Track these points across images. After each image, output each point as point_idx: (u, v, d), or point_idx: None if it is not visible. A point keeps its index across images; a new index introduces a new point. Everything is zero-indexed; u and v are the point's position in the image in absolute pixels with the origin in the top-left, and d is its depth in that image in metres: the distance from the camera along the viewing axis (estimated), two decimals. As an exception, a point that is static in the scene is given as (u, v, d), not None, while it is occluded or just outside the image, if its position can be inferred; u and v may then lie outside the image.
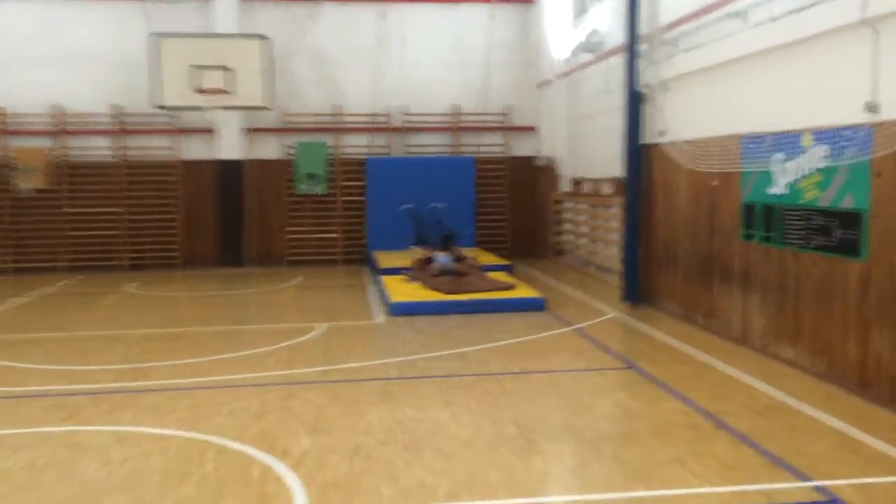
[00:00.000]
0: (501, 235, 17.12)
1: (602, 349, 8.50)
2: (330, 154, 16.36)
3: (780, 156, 7.74)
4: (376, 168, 16.29)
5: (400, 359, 8.14)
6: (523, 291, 11.33)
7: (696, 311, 9.57)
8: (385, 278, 12.43)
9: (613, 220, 13.36)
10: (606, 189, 13.58)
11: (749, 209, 8.31)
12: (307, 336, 9.28)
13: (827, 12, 6.92)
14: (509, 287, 11.43)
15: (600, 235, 14.06)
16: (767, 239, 7.97)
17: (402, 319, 10.23)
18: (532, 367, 7.86)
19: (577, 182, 15.27)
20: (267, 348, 8.67)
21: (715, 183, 8.84)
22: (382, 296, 11.48)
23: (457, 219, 16.34)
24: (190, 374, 7.65)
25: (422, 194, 16.27)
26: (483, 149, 16.94)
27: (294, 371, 7.75)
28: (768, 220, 7.95)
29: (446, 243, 12.66)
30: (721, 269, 8.93)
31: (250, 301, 12.09)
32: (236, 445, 5.62)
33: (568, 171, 15.83)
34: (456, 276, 11.93)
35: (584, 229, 15.06)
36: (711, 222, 9.14)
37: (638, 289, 10.96)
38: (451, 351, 8.43)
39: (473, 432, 5.86)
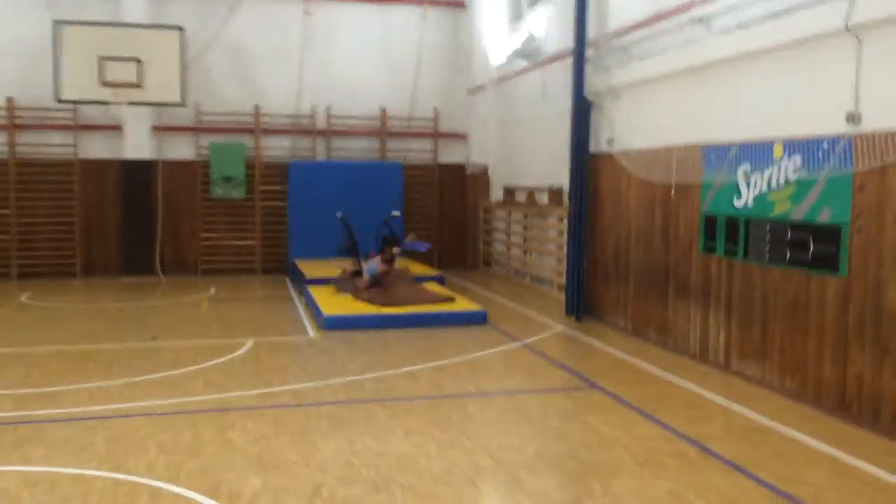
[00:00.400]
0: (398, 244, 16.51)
1: (558, 367, 8.01)
2: (249, 156, 15.41)
3: (746, 166, 7.46)
4: (299, 172, 15.45)
5: (344, 379, 7.42)
6: (463, 304, 10.77)
7: (648, 326, 9.23)
8: (313, 289, 11.65)
9: (551, 230, 13.00)
10: (543, 199, 13.21)
11: (710, 222, 8.01)
12: (235, 354, 8.44)
13: (804, 20, 6.64)
14: (448, 299, 10.86)
15: (536, 246, 13.68)
16: (731, 252, 7.67)
17: (335, 334, 9.50)
18: (490, 387, 7.30)
19: (510, 191, 14.87)
20: (191, 368, 7.79)
21: (672, 194, 8.52)
22: (312, 308, 10.70)
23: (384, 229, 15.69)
24: (105, 399, 6.73)
25: (347, 200, 15.45)
26: (411, 154, 16.33)
27: (227, 395, 6.92)
28: (732, 233, 7.65)
29: (387, 246, 11.98)
30: (678, 283, 8.61)
31: (165, 313, 11.08)
32: (172, 488, 4.81)
33: (500, 179, 15.42)
34: (386, 287, 11.28)
35: (518, 239, 14.65)
36: (667, 234, 8.82)
37: (582, 302, 10.57)
38: (398, 370, 7.78)
39: (446, 466, 5.23)
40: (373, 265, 11.62)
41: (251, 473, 5.05)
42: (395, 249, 11.99)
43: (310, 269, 13.42)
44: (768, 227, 7.16)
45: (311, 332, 9.62)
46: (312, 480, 4.94)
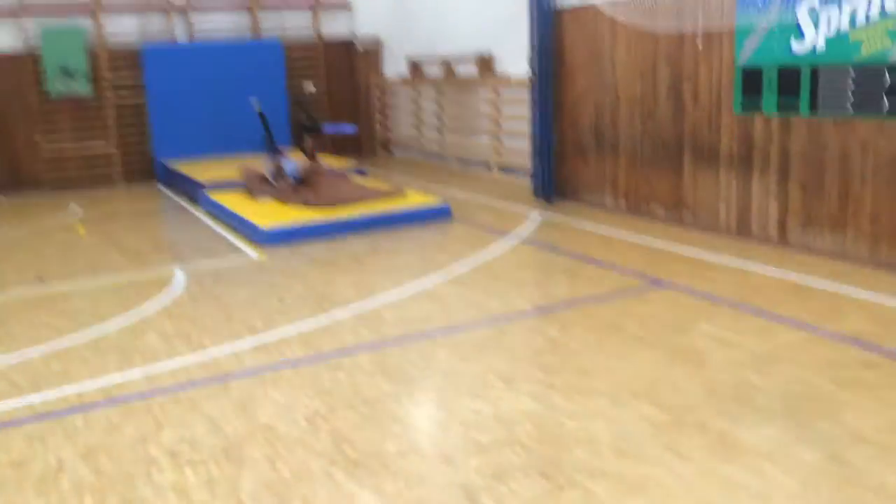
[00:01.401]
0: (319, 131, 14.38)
1: (590, 262, 6.59)
2: (90, 42, 12.43)
3: (812, 1, 6.16)
4: (157, 58, 12.67)
5: (350, 309, 5.64)
6: (417, 199, 9.05)
7: (651, 203, 8.00)
8: (219, 197, 9.47)
9: (482, 104, 11.37)
10: (469, 70, 11.47)
11: (751, 75, 6.73)
12: (171, 290, 6.38)
13: None
14: (395, 193, 9.09)
15: (462, 125, 12.01)
16: (788, 108, 6.46)
17: (282, 251, 7.56)
18: (542, 299, 5.77)
19: (416, 65, 12.98)
20: (122, 318, 5.71)
21: (699, 45, 7.11)
22: (234, 221, 8.59)
23: (270, 115, 13.39)
24: (25, 386, 4.64)
25: (219, 89, 13.02)
26: (289, 32, 13.88)
27: (209, 353, 5.00)
28: (790, 85, 6.41)
29: (308, 135, 9.90)
30: (698, 152, 7.36)
31: (33, 245, 8.54)
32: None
33: (399, 52, 13.45)
34: (316, 186, 9.34)
35: (433, 120, 12.89)
36: (678, 97, 7.47)
37: (552, 183, 9.17)
38: (406, 288, 6.09)
39: (619, 429, 3.75)
40: (292, 163, 9.57)
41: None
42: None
43: (196, 172, 11.08)
44: (852, 74, 5.96)
45: (251, 252, 7.62)
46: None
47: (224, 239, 8.23)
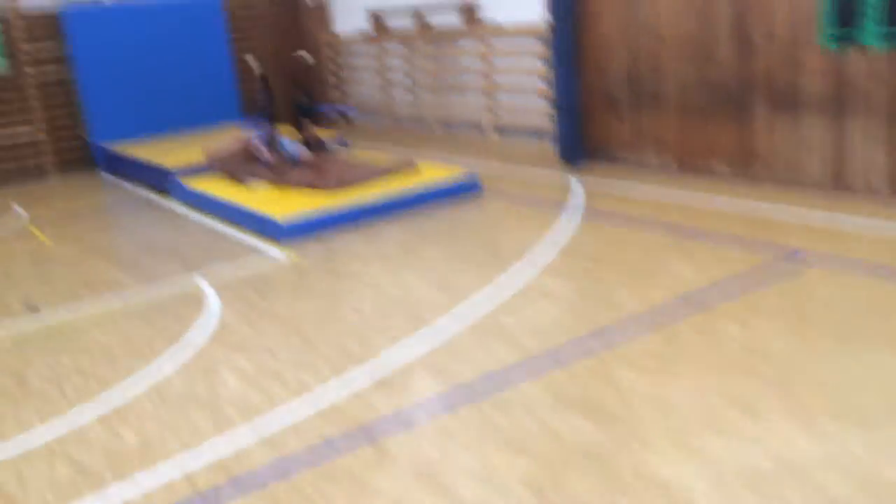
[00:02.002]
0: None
1: (691, 235, 5.76)
2: (0, 9, 10.63)
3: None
4: (82, 24, 10.96)
5: (465, 313, 4.66)
6: (438, 171, 7.98)
7: (709, 159, 7.24)
8: (202, 186, 8.16)
9: (466, 59, 10.31)
10: (449, 20, 10.36)
11: (845, 1, 5.99)
12: (211, 309, 5.20)
13: None
14: (409, 167, 8.01)
15: (439, 85, 10.92)
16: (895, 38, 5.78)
17: (311, 247, 6.44)
18: (679, 287, 4.90)
19: (379, 17, 11.74)
20: (179, 353, 4.55)
21: (782, -27, 6.31)
22: (233, 214, 7.33)
23: (214, 85, 11.96)
24: (98, 459, 3.48)
25: (159, 56, 11.47)
26: (226, -15, 12.33)
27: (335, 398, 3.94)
28: (898, 14, 5.72)
29: (310, 124, 8.62)
30: (773, 96, 6.61)
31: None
32: None
33: (355, 4, 12.16)
34: (316, 167, 8.17)
35: (403, 79, 11.71)
36: (744, 35, 6.66)
37: (579, 143, 8.29)
38: (506, 284, 5.12)
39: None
40: (293, 146, 8.33)
41: None
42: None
43: (154, 155, 9.62)
44: None
45: (273, 251, 6.44)
46: None
47: (228, 236, 7.00)
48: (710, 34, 6.95)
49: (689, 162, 7.45)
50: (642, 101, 7.71)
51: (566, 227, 6.25)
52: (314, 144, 8.53)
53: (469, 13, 10.04)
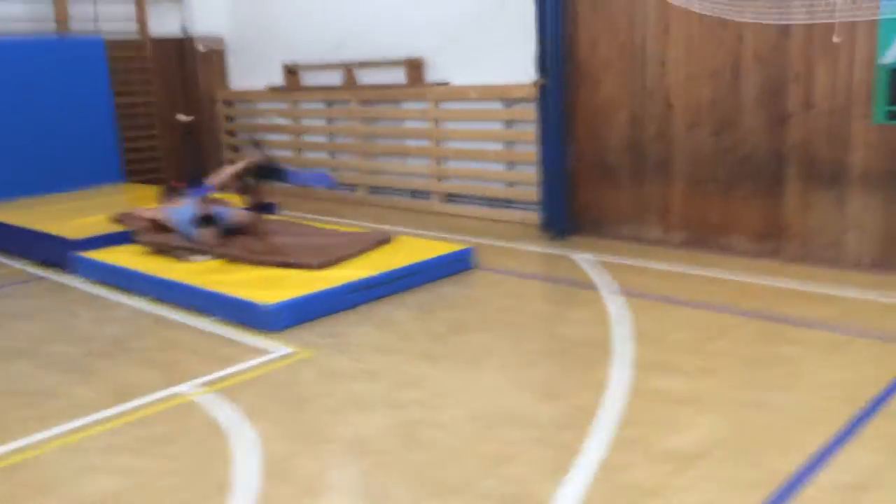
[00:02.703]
0: (153, 159, 11.29)
1: (767, 319, 5.07)
2: None
3: None
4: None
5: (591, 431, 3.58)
6: (422, 245, 6.85)
7: (727, 234, 6.67)
8: (122, 261, 6.54)
9: (409, 121, 9.34)
10: (387, 77, 9.36)
11: (903, 76, 5.67)
12: (240, 438, 3.79)
13: None
14: (384, 240, 6.84)
15: (369, 147, 9.81)
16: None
17: (308, 336, 5.12)
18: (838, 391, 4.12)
19: (293, 71, 10.54)
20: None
21: (837, 39, 5.88)
22: (192, 298, 5.79)
23: (92, 138, 10.20)
24: None
25: (27, 101, 9.60)
26: (106, 25, 10.61)
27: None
28: (966, 87, 5.43)
29: (256, 179, 7.14)
30: (811, 169, 6.15)
31: None
32: None
33: (263, 55, 10.89)
34: (260, 235, 6.84)
35: (321, 140, 10.47)
36: (776, 103, 6.20)
37: (568, 215, 7.50)
38: (594, 383, 4.12)
39: None
40: (224, 210, 6.90)
41: None
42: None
43: (35, 221, 7.77)
44: None
45: (269, 344, 5.04)
46: None
47: (190, 327, 5.49)
48: (733, 101, 6.45)
49: (700, 237, 6.85)
50: (645, 170, 7.08)
51: (614, 310, 5.36)
52: (260, 209, 7.15)
53: (414, 70, 9.11)
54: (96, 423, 4.04)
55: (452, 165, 8.96)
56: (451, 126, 8.91)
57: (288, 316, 5.35)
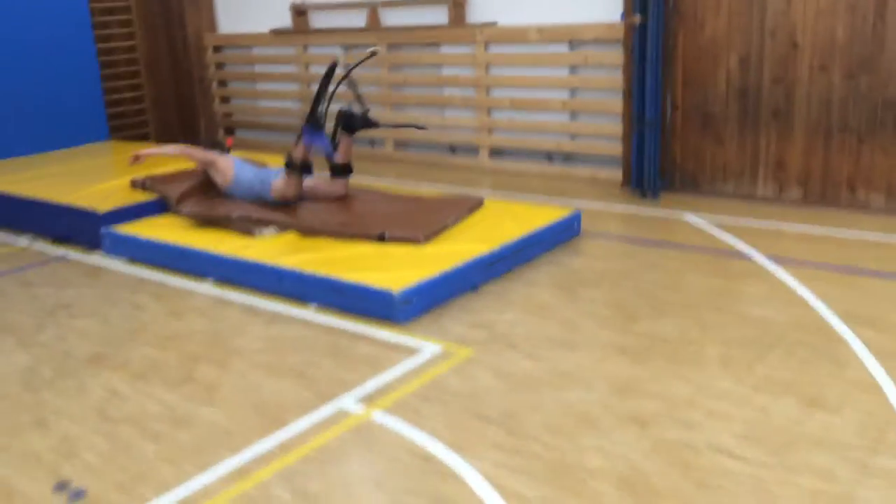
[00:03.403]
0: (138, 112, 9.99)
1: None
2: None
3: None
4: None
5: None
6: (535, 210, 5.94)
7: (859, 189, 5.98)
8: (173, 237, 5.46)
9: (450, 68, 8.33)
10: (422, 17, 8.29)
11: None
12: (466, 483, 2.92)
13: None
14: (476, 205, 5.90)
15: (402, 98, 8.74)
16: None
17: (455, 329, 4.23)
18: None
19: (301, 12, 9.34)
20: None
21: None
22: (294, 283, 4.76)
23: (75, 91, 8.88)
24: None
25: (7, 55, 8.24)
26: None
27: None
28: None
29: (346, 132, 6.04)
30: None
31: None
32: None
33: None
34: (341, 204, 5.87)
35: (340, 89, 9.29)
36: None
37: (658, 170, 6.70)
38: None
39: None
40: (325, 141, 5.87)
41: None
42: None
43: (47, 192, 6.53)
44: None
45: (411, 339, 4.12)
46: None
47: (293, 319, 4.50)
48: (871, 37, 5.72)
49: (825, 194, 6.17)
50: (759, 120, 6.31)
51: (792, 283, 4.63)
52: (344, 171, 6.10)
53: (457, 9, 8.08)
54: (261, 459, 3.09)
55: (503, 116, 8.03)
56: (503, 72, 7.96)
57: (419, 303, 4.43)
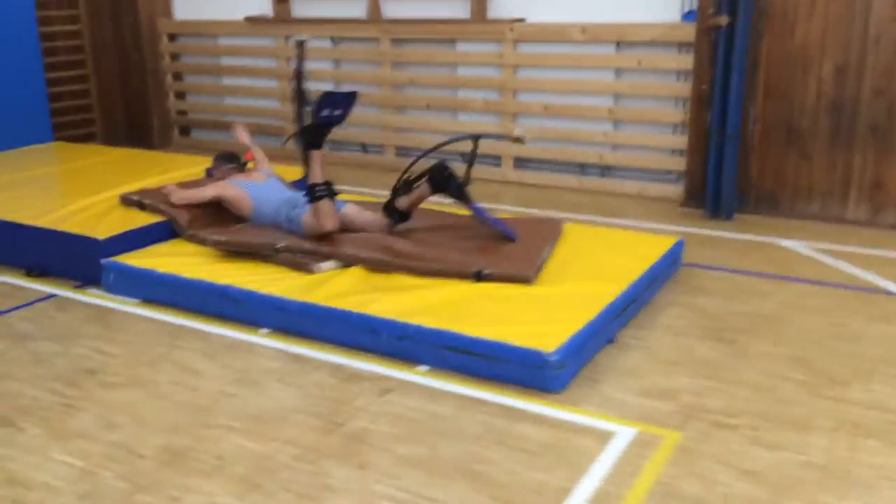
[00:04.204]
0: (83, 109, 8.54)
1: None
2: None
3: None
4: None
5: None
6: (634, 237, 5.07)
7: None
8: (206, 274, 4.30)
9: (462, 66, 7.36)
10: (434, 9, 7.29)
11: None
12: None
13: None
14: (557, 230, 4.98)
15: (404, 100, 7.69)
16: None
17: (644, 402, 3.33)
18: None
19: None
20: None
21: None
22: (390, 335, 3.71)
23: (18, 92, 7.45)
24: None
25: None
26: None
27: None
28: None
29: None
30: None
31: None
32: None
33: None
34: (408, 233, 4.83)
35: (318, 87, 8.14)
36: None
37: (733, 189, 5.96)
38: None
39: None
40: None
41: None
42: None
43: (21, 213, 5.18)
44: None
45: (582, 417, 3.17)
46: None
47: (409, 384, 3.47)
48: None
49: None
50: (854, 135, 5.67)
51: None
52: (402, 218, 4.95)
53: (479, 2, 7.14)
54: None
55: (534, 124, 7.13)
56: (534, 75, 7.07)
57: (573, 366, 3.49)
